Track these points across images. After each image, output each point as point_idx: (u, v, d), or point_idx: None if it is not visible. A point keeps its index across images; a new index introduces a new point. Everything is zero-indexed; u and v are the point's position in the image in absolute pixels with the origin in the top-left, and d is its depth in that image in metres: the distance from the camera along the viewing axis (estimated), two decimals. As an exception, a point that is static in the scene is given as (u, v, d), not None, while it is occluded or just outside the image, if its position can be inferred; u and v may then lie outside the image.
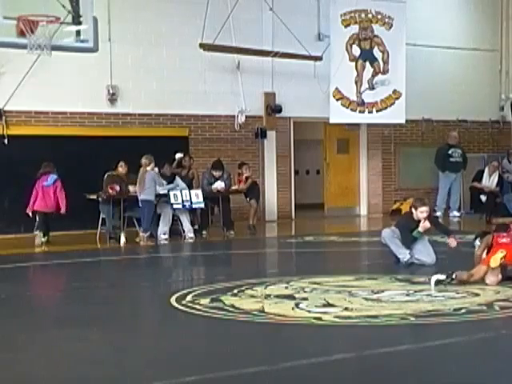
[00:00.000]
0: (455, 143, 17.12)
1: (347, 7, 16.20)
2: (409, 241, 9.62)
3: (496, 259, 7.90)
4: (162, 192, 13.18)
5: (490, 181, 16.22)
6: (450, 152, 16.85)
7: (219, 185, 13.80)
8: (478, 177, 16.46)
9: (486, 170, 16.41)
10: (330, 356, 5.50)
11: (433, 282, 7.98)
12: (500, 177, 16.31)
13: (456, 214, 16.67)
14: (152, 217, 12.82)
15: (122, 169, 13.17)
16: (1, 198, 13.97)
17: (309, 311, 6.97)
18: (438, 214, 16.25)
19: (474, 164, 17.47)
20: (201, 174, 14.42)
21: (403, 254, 9.57)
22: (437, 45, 18.01)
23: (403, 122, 17.06)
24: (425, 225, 9.52)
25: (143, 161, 12.86)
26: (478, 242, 8.66)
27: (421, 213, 9.51)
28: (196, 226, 13.76)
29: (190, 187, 13.57)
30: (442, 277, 7.99)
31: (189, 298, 7.68)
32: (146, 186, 12.65)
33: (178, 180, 13.68)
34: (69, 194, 13.39)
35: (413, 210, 9.68)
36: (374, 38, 16.48)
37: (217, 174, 13.89)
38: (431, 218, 9.82)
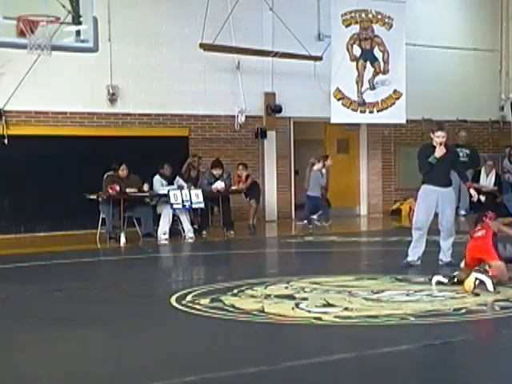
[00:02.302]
0: (464, 143, 17.05)
1: (348, 7, 16.20)
2: (425, 167, 9.31)
3: (469, 284, 7.57)
4: (161, 192, 13.20)
5: (487, 181, 16.20)
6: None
7: (219, 185, 13.79)
8: (476, 177, 16.45)
9: (483, 170, 16.39)
10: (330, 356, 5.49)
11: (434, 282, 8.04)
12: (497, 176, 16.28)
13: (462, 212, 16.64)
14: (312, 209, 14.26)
15: (122, 172, 13.12)
16: (1, 197, 13.96)
17: (309, 311, 6.97)
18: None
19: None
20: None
21: (412, 256, 9.49)
22: (437, 45, 17.99)
23: (404, 122, 17.04)
24: (440, 150, 9.18)
25: (311, 161, 14.30)
26: None
27: (437, 137, 9.23)
28: (196, 226, 13.77)
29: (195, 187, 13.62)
30: (444, 280, 7.98)
31: (189, 297, 7.68)
32: (311, 183, 14.01)
33: (178, 180, 13.69)
34: (69, 194, 13.42)
35: (431, 134, 9.39)
36: (374, 38, 16.47)
37: (216, 173, 13.90)
38: (451, 147, 9.34)
